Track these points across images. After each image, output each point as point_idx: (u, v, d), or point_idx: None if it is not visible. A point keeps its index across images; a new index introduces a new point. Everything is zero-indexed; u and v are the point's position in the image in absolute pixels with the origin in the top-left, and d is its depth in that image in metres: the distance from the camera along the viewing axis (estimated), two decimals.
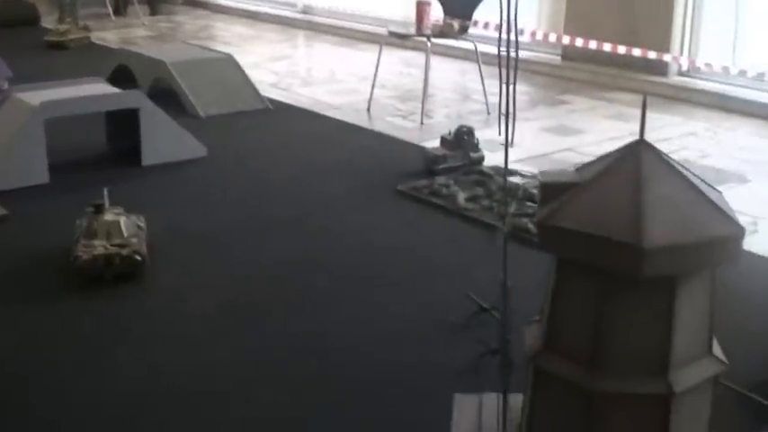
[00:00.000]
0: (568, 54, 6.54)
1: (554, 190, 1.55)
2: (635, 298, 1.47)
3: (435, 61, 6.71)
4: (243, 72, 5.40)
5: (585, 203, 1.50)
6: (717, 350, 1.61)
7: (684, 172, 1.53)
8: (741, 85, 5.81)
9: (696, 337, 1.55)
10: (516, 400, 1.77)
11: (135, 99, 4.11)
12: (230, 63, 5.45)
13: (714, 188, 1.64)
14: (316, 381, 2.34)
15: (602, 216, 1.46)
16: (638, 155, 1.51)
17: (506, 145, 1.62)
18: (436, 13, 5.45)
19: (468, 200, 3.52)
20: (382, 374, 2.37)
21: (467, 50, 5.98)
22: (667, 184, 1.49)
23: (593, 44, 5.89)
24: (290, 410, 2.22)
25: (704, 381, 1.56)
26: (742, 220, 3.94)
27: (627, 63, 6.00)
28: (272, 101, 5.41)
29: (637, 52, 5.73)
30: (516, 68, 1.62)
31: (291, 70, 6.79)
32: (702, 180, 1.61)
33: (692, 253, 1.45)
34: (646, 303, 1.48)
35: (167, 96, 5.01)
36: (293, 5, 9.34)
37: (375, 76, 5.42)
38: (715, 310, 1.57)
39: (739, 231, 1.48)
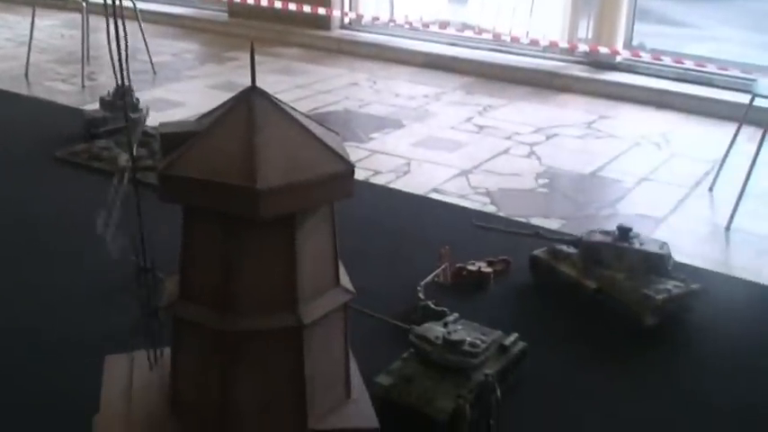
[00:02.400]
0: (235, 11, 6.56)
1: (174, 140, 1.57)
2: (257, 238, 1.54)
3: (101, 22, 6.44)
4: None
5: (203, 151, 1.53)
6: (345, 281, 1.72)
7: (297, 116, 1.61)
8: (398, 35, 6.17)
9: (322, 271, 1.65)
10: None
11: None
12: None
13: (332, 130, 1.74)
14: None
15: (219, 162, 1.50)
16: (251, 101, 1.56)
17: (123, 90, 1.61)
18: None
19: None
20: (39, 348, 2.28)
21: (131, 10, 5.80)
22: (280, 128, 1.56)
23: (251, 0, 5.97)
24: None
25: (333, 310, 1.67)
26: (397, 162, 4.13)
27: (292, 18, 6.14)
28: None
29: (293, 7, 5.88)
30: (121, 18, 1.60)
31: None
32: (319, 123, 1.70)
33: (306, 191, 1.53)
34: (268, 242, 1.55)
35: None
36: None
37: (30, 39, 5.12)
38: (338, 243, 1.68)
39: (349, 168, 1.58)
